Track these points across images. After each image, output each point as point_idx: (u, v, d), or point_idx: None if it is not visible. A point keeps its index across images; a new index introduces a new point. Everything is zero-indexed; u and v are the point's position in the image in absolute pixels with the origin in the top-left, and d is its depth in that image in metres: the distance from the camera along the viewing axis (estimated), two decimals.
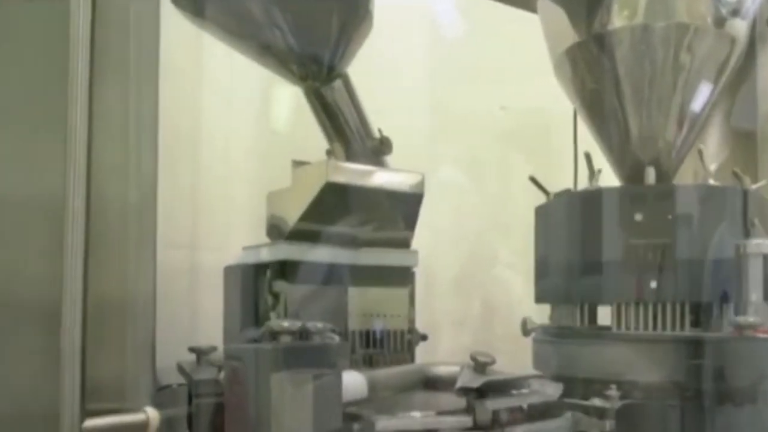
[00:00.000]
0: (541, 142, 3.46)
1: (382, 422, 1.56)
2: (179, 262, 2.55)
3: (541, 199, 2.51)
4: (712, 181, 2.27)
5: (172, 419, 1.76)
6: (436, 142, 3.25)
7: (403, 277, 2.28)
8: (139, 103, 1.47)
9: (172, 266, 2.35)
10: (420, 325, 2.32)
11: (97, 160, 1.40)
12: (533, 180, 2.51)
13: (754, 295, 2.07)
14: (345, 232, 2.15)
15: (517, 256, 3.19)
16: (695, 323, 2.14)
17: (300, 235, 2.10)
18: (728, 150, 3.00)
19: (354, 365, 2.02)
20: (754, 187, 2.27)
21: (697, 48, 2.26)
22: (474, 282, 3.45)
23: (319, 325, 1.67)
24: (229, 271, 2.27)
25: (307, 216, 2.09)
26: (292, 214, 2.11)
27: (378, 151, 2.38)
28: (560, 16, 2.46)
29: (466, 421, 1.63)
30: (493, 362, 1.70)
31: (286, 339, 1.59)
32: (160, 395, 1.75)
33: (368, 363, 2.15)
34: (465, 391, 1.66)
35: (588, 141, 2.58)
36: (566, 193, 2.41)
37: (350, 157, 2.34)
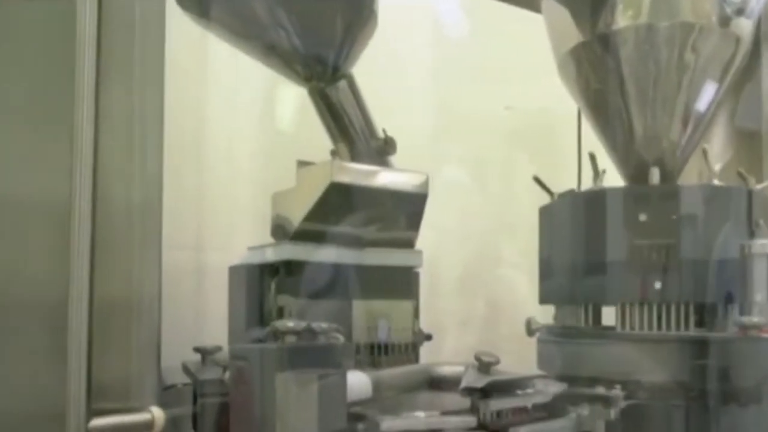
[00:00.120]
0: (546, 142, 3.45)
1: (387, 422, 1.57)
2: (184, 262, 2.55)
3: (546, 199, 2.51)
4: (716, 182, 2.27)
5: (178, 419, 1.77)
6: (440, 142, 3.25)
7: (407, 289, 2.27)
8: (145, 104, 1.48)
9: (178, 266, 2.36)
10: (424, 325, 2.32)
11: (103, 160, 1.40)
12: (537, 180, 2.51)
13: (759, 295, 2.06)
14: (349, 232, 2.15)
15: (522, 256, 3.18)
16: (700, 323, 2.14)
17: (304, 235, 2.11)
18: (733, 150, 3.00)
19: (358, 366, 2.02)
20: (759, 187, 2.27)
21: (702, 47, 2.26)
22: (478, 282, 3.45)
23: (324, 325, 1.68)
24: (233, 271, 2.28)
25: (311, 216, 2.09)
26: (297, 214, 2.12)
27: (382, 151, 2.38)
28: (564, 16, 2.45)
29: (471, 421, 1.63)
30: (498, 362, 1.70)
31: (291, 339, 1.59)
32: (166, 395, 1.76)
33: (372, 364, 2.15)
34: (469, 391, 1.66)
35: (592, 141, 2.58)
36: (570, 194, 2.41)
37: (355, 157, 2.35)
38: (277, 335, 1.60)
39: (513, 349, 2.11)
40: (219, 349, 1.95)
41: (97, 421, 1.35)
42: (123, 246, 1.44)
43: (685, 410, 2.03)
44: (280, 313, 2.07)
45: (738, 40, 2.31)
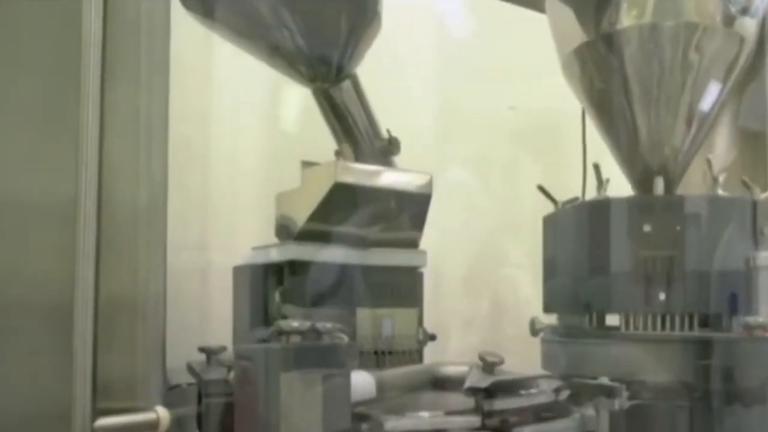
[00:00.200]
0: (550, 142, 3.45)
1: (391, 422, 1.57)
2: (189, 262, 2.56)
3: (549, 204, 2.50)
4: (720, 191, 2.26)
5: (182, 419, 1.77)
6: (444, 142, 3.25)
7: (412, 295, 2.27)
8: (150, 105, 1.48)
9: (183, 267, 2.37)
10: (428, 325, 2.32)
11: (108, 161, 1.41)
12: (541, 189, 2.51)
13: (765, 307, 2.06)
14: (353, 232, 2.16)
15: (526, 255, 3.18)
16: (704, 325, 2.13)
17: (309, 235, 2.11)
18: (736, 150, 2.99)
19: (362, 367, 2.03)
20: (763, 196, 2.26)
21: (706, 47, 2.26)
22: (482, 282, 3.45)
23: (329, 325, 1.68)
24: (238, 271, 2.28)
25: (315, 216, 2.09)
26: (301, 214, 2.12)
27: (386, 151, 2.38)
28: (568, 15, 2.45)
29: (475, 421, 1.63)
30: (502, 362, 1.70)
31: (295, 339, 1.60)
32: (171, 395, 1.77)
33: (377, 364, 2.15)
34: (473, 391, 1.66)
35: (597, 141, 2.58)
36: (574, 203, 2.40)
37: (359, 157, 2.35)
38: (282, 335, 1.60)
39: (517, 349, 2.11)
40: (223, 349, 1.96)
41: (103, 421, 1.35)
42: (128, 246, 1.45)
43: (689, 411, 2.03)
44: (284, 315, 2.07)
45: (742, 40, 2.31)
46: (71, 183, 1.36)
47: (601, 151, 2.51)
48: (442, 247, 2.71)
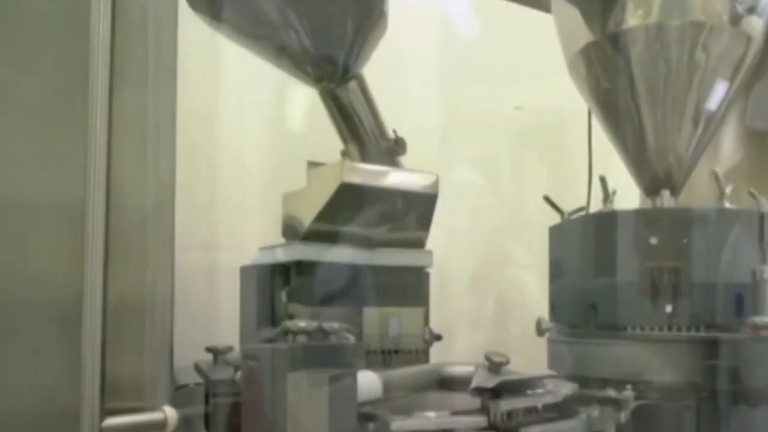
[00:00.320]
0: (555, 142, 3.45)
1: (397, 422, 1.57)
2: (196, 263, 2.57)
3: (556, 198, 2.50)
4: (727, 204, 2.25)
5: (190, 418, 1.78)
6: (450, 142, 3.25)
7: (418, 290, 2.28)
8: (157, 106, 1.49)
9: (190, 267, 2.38)
10: (434, 325, 2.32)
11: (116, 163, 1.41)
12: (547, 199, 2.50)
13: None
14: (360, 232, 2.16)
15: (532, 255, 3.18)
16: (711, 325, 2.13)
17: (315, 235, 2.11)
18: (743, 150, 2.98)
19: (369, 366, 2.03)
20: None
21: (713, 46, 2.25)
22: (489, 282, 3.45)
23: (335, 325, 1.68)
24: (245, 271, 2.29)
25: (322, 216, 2.10)
26: (307, 214, 2.12)
27: (392, 151, 2.39)
28: (574, 15, 2.45)
29: (481, 421, 1.63)
30: (508, 362, 1.70)
31: (302, 339, 1.60)
32: (178, 395, 1.78)
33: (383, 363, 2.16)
34: (480, 391, 1.66)
35: (602, 141, 2.58)
36: (580, 215, 2.40)
37: (365, 157, 2.35)
38: (288, 335, 1.60)
39: (523, 349, 2.11)
40: (231, 349, 1.96)
41: (111, 421, 1.36)
42: (136, 247, 1.45)
43: (696, 411, 2.02)
44: (291, 315, 2.07)
45: (749, 39, 2.30)
46: (79, 184, 1.37)
47: (606, 151, 2.51)
48: (448, 247, 2.71)
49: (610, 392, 1.87)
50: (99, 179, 1.38)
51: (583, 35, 2.41)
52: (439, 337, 2.34)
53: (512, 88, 3.45)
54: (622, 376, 2.03)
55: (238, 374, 1.76)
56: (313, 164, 2.24)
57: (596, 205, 2.40)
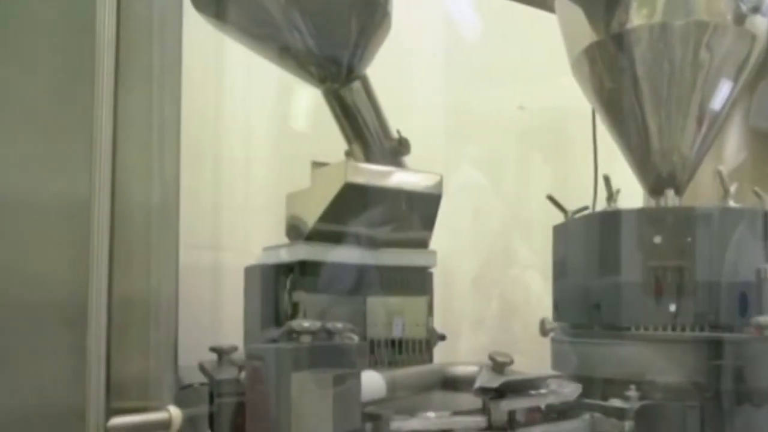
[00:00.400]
0: (559, 142, 3.45)
1: (397, 422, 1.57)
2: (201, 263, 2.57)
3: (560, 198, 2.50)
4: (731, 203, 2.24)
5: (194, 418, 1.78)
6: (454, 142, 3.25)
7: (421, 285, 2.28)
8: (162, 106, 1.49)
9: (194, 267, 2.38)
10: (438, 325, 2.32)
11: (122, 162, 1.42)
12: (551, 199, 2.50)
13: None
14: (364, 232, 2.16)
15: (537, 255, 3.18)
16: (715, 325, 2.13)
17: (319, 235, 2.12)
18: (747, 150, 2.97)
19: (372, 366, 2.03)
20: None
21: (717, 46, 2.25)
22: (492, 282, 3.45)
23: (339, 325, 1.69)
24: (249, 271, 2.29)
25: (326, 217, 2.10)
26: (311, 214, 2.13)
27: (396, 151, 2.39)
28: (578, 15, 2.45)
29: (481, 421, 1.63)
30: (512, 362, 1.70)
31: (306, 339, 1.60)
32: (183, 394, 1.77)
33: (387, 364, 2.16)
34: (483, 392, 1.66)
35: (607, 141, 2.58)
36: (584, 214, 2.40)
37: (369, 157, 2.36)
38: (293, 335, 1.61)
39: (527, 349, 2.11)
40: (235, 348, 1.97)
41: (116, 420, 1.36)
42: (141, 246, 1.46)
43: (700, 411, 2.02)
44: (295, 309, 2.08)
45: (753, 39, 2.30)
46: (85, 184, 1.38)
47: (611, 151, 2.51)
48: (452, 248, 2.71)
49: (615, 401, 1.87)
50: (104, 179, 1.38)
51: (587, 35, 2.41)
52: (443, 337, 2.34)
53: (516, 88, 3.45)
54: (626, 377, 2.03)
55: (243, 374, 1.76)
56: (317, 164, 2.24)
57: (600, 206, 2.40)
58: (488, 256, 3.44)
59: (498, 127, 3.45)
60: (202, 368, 1.92)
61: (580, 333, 2.31)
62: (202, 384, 1.90)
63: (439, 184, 2.28)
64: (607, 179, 2.36)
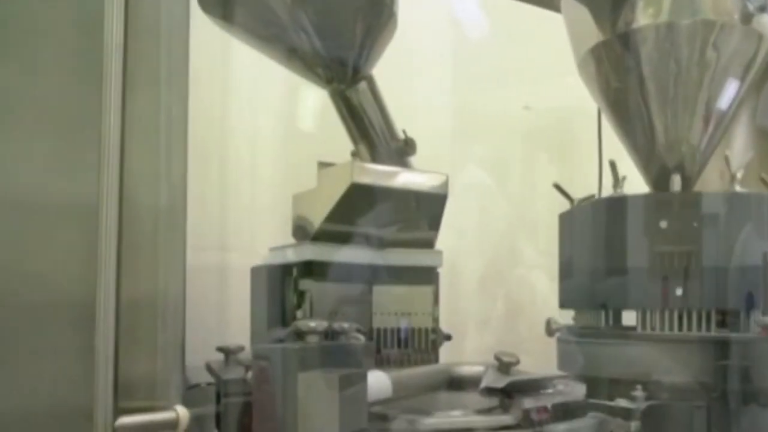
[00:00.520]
0: (565, 142, 3.44)
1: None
2: (208, 263, 2.58)
3: (565, 201, 2.50)
4: (738, 188, 2.24)
5: (201, 418, 1.79)
6: (459, 142, 3.25)
7: (427, 275, 2.28)
8: (170, 108, 1.50)
9: (202, 268, 2.39)
10: (444, 325, 2.33)
11: (129, 164, 1.43)
12: (557, 187, 2.50)
13: None
14: (370, 232, 2.17)
15: (542, 255, 3.18)
16: (721, 324, 2.12)
17: (325, 235, 2.12)
18: (754, 150, 2.96)
19: (378, 364, 2.04)
20: None
21: (723, 45, 2.24)
22: (498, 282, 3.45)
23: (345, 325, 1.69)
24: (256, 271, 2.30)
25: (332, 217, 2.10)
26: (318, 215, 2.13)
27: (402, 152, 2.39)
28: (584, 14, 2.44)
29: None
30: (518, 362, 1.70)
31: (312, 339, 1.61)
32: (190, 394, 1.78)
33: (392, 362, 2.17)
34: (489, 392, 1.66)
35: (612, 140, 2.57)
36: (590, 200, 2.39)
37: (375, 158, 2.36)
38: (299, 335, 1.61)
39: (533, 350, 2.11)
40: (242, 348, 1.97)
41: (124, 420, 1.37)
42: (149, 247, 1.47)
43: (707, 411, 2.02)
44: (301, 298, 2.08)
45: (760, 38, 2.29)
46: (93, 186, 1.39)
47: (616, 150, 2.50)
48: (457, 248, 2.71)
49: (621, 402, 1.87)
50: (112, 181, 1.39)
51: (593, 35, 2.40)
52: (448, 337, 2.34)
53: (521, 88, 3.44)
54: (633, 377, 2.02)
55: (249, 374, 1.77)
56: (323, 165, 2.25)
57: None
58: (494, 256, 3.44)
59: (504, 127, 3.44)
60: (209, 368, 1.93)
61: (586, 333, 2.31)
62: (209, 384, 1.91)
63: (445, 184, 2.28)
64: (613, 165, 2.36)
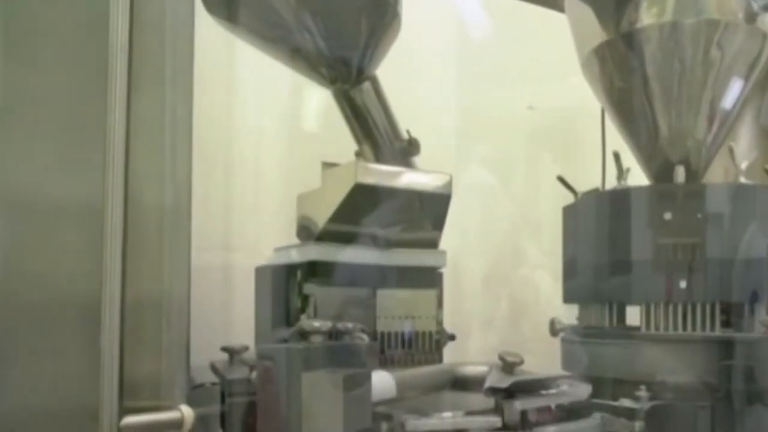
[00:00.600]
0: (569, 142, 3.44)
1: (412, 422, 1.57)
2: (212, 263, 2.59)
3: (570, 198, 2.50)
4: (742, 180, 2.24)
5: (206, 417, 1.79)
6: (463, 142, 3.26)
7: (431, 278, 2.29)
8: (174, 108, 1.50)
9: (206, 268, 2.39)
10: (448, 325, 2.33)
11: (134, 164, 1.43)
12: (561, 180, 2.50)
13: None
14: (374, 232, 2.17)
15: (546, 255, 3.18)
16: (726, 323, 2.12)
17: (329, 236, 2.12)
18: (759, 149, 2.96)
19: (382, 364, 2.04)
20: None
21: (728, 45, 2.24)
22: (502, 282, 3.45)
23: (349, 325, 1.69)
24: (260, 271, 2.31)
25: (336, 217, 2.11)
26: (322, 215, 2.14)
27: (406, 152, 2.40)
28: (588, 14, 2.44)
29: (495, 421, 1.63)
30: (522, 362, 1.70)
31: (317, 339, 1.61)
32: (194, 394, 1.78)
33: (396, 363, 2.17)
34: (493, 392, 1.66)
35: (616, 140, 2.57)
36: (594, 193, 2.40)
37: (379, 158, 2.36)
38: (303, 335, 1.61)
39: (537, 349, 2.11)
40: (246, 348, 1.98)
41: (129, 419, 1.37)
42: (154, 248, 1.47)
43: (711, 411, 2.02)
44: (305, 302, 2.09)
45: (765, 37, 2.29)
46: (98, 187, 1.39)
47: (619, 149, 2.50)
48: (461, 247, 2.71)
49: (625, 401, 1.87)
50: (117, 181, 1.39)
51: (597, 34, 2.40)
52: (452, 337, 2.34)
53: (525, 89, 3.44)
54: (637, 377, 2.02)
55: (254, 374, 1.77)
56: (327, 165, 2.25)
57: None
58: (497, 256, 3.44)
59: (507, 127, 3.44)
60: (214, 368, 1.93)
61: (590, 333, 2.30)
62: (214, 384, 1.91)
63: (449, 184, 2.28)
64: (617, 156, 2.36)
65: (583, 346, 2.30)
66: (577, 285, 2.41)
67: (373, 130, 2.37)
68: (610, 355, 2.18)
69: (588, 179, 2.61)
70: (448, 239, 2.35)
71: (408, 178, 2.23)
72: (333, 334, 1.67)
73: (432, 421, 1.59)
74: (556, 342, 2.43)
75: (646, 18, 2.27)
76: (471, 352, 2.76)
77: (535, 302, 3.37)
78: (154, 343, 1.48)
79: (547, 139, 3.53)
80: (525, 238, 3.49)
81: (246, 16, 2.23)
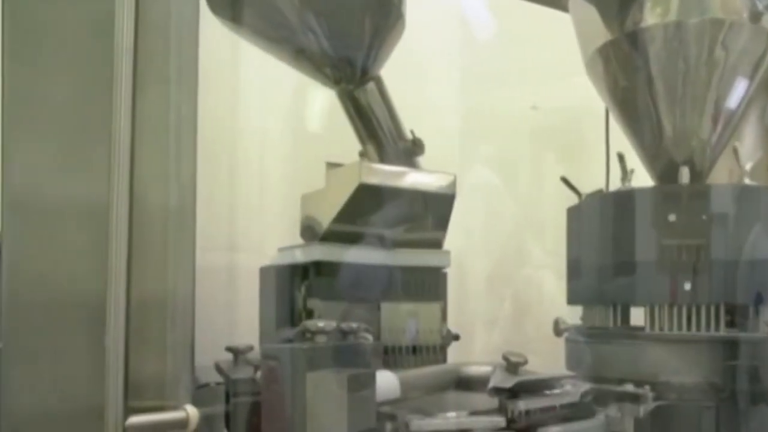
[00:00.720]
0: (573, 142, 3.44)
1: (416, 422, 1.58)
2: (217, 263, 2.59)
3: (573, 198, 2.50)
4: (747, 181, 2.24)
5: (211, 417, 1.80)
6: (467, 142, 3.25)
7: (435, 288, 2.28)
8: (179, 109, 1.51)
9: (211, 268, 2.40)
10: (452, 325, 2.32)
11: (139, 165, 1.44)
12: (565, 180, 2.50)
13: None
14: (378, 233, 2.17)
15: (550, 255, 3.18)
16: (730, 324, 2.12)
17: (334, 236, 2.12)
18: (763, 149, 2.95)
19: (386, 368, 2.04)
20: None
21: (732, 44, 2.24)
22: (506, 282, 3.45)
23: (354, 325, 1.70)
24: (264, 271, 2.31)
25: (340, 217, 2.11)
26: (326, 215, 2.14)
27: (410, 152, 2.39)
28: (592, 14, 2.44)
29: (500, 421, 1.63)
30: (526, 362, 1.70)
31: (321, 339, 1.61)
32: (199, 393, 1.79)
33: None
34: (497, 392, 1.66)
35: (620, 140, 2.57)
36: (598, 194, 2.39)
37: (383, 158, 2.36)
38: (308, 335, 1.62)
39: (540, 349, 2.11)
40: (251, 348, 1.98)
41: (134, 419, 1.38)
42: (158, 248, 1.48)
43: (716, 411, 2.01)
44: (310, 316, 2.09)
45: None
46: (103, 187, 1.40)
47: (623, 149, 2.50)
48: (465, 248, 2.71)
49: (629, 386, 1.86)
50: (122, 181, 1.40)
51: (601, 34, 2.40)
52: (456, 337, 2.34)
53: (529, 89, 3.44)
54: (641, 377, 2.02)
55: (258, 374, 1.77)
56: (331, 165, 2.25)
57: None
58: (501, 256, 3.44)
59: (511, 127, 3.44)
60: (219, 368, 1.94)
61: (594, 333, 2.30)
62: (219, 383, 1.91)
63: (453, 185, 2.28)
64: (621, 157, 2.35)
65: (588, 346, 2.30)
66: (581, 287, 2.40)
67: (378, 130, 2.37)
68: (615, 355, 2.18)
69: (592, 179, 2.61)
70: (452, 239, 2.35)
71: (412, 179, 2.23)
72: (337, 334, 1.67)
73: (436, 421, 1.59)
74: (560, 342, 2.43)
75: (651, 17, 2.27)
76: (475, 352, 2.76)
77: (539, 302, 3.37)
78: (159, 343, 1.49)
79: (551, 140, 3.53)
80: (529, 238, 3.49)
81: (250, 17, 2.23)
